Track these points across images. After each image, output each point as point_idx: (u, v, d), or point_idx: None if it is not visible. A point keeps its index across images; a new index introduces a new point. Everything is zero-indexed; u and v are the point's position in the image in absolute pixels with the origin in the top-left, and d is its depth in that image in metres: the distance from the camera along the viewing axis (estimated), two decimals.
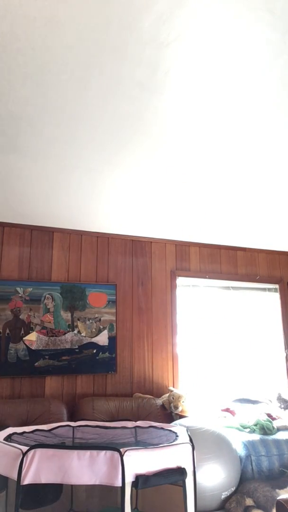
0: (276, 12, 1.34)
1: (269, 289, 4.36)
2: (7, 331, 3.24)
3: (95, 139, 2.10)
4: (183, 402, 3.28)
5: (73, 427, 2.22)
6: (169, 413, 3.26)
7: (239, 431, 3.11)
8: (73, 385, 3.36)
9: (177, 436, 1.95)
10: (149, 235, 3.86)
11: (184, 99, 1.79)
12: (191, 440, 1.87)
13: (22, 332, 3.28)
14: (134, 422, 2.25)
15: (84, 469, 1.52)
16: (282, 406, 3.61)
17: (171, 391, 3.39)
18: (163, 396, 3.43)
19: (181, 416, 3.22)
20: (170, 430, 2.06)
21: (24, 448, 1.57)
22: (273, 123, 1.98)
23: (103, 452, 1.55)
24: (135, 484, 1.55)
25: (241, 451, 2.83)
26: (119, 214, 3.28)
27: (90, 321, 3.51)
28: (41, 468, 1.52)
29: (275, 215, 3.35)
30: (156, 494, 2.17)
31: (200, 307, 4.03)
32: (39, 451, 1.55)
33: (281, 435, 3.03)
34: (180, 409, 3.24)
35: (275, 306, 4.33)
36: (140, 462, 1.60)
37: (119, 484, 1.50)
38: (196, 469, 1.92)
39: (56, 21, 1.36)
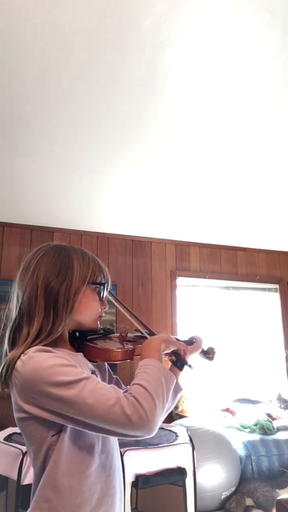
0: (276, 12, 1.34)
1: (269, 289, 4.35)
2: None
3: (95, 139, 2.10)
4: (183, 402, 3.28)
5: None
6: (169, 413, 3.26)
7: (239, 431, 3.11)
8: None
9: (177, 436, 1.95)
10: (149, 235, 3.86)
11: (184, 99, 1.79)
12: (191, 440, 1.88)
13: None
14: None
15: None
16: (282, 406, 3.61)
17: None
18: None
19: (181, 416, 3.22)
20: (170, 430, 2.06)
21: (24, 448, 1.57)
22: (273, 123, 1.98)
23: None
24: (135, 484, 1.55)
25: (241, 451, 2.83)
26: (119, 214, 3.28)
27: None
28: None
29: (275, 215, 3.35)
30: (156, 494, 2.16)
31: (200, 307, 4.02)
32: None
33: (281, 435, 3.03)
34: (180, 409, 3.24)
35: (275, 306, 4.33)
36: (140, 462, 1.60)
37: None
38: (196, 469, 1.92)
39: (56, 21, 1.36)
